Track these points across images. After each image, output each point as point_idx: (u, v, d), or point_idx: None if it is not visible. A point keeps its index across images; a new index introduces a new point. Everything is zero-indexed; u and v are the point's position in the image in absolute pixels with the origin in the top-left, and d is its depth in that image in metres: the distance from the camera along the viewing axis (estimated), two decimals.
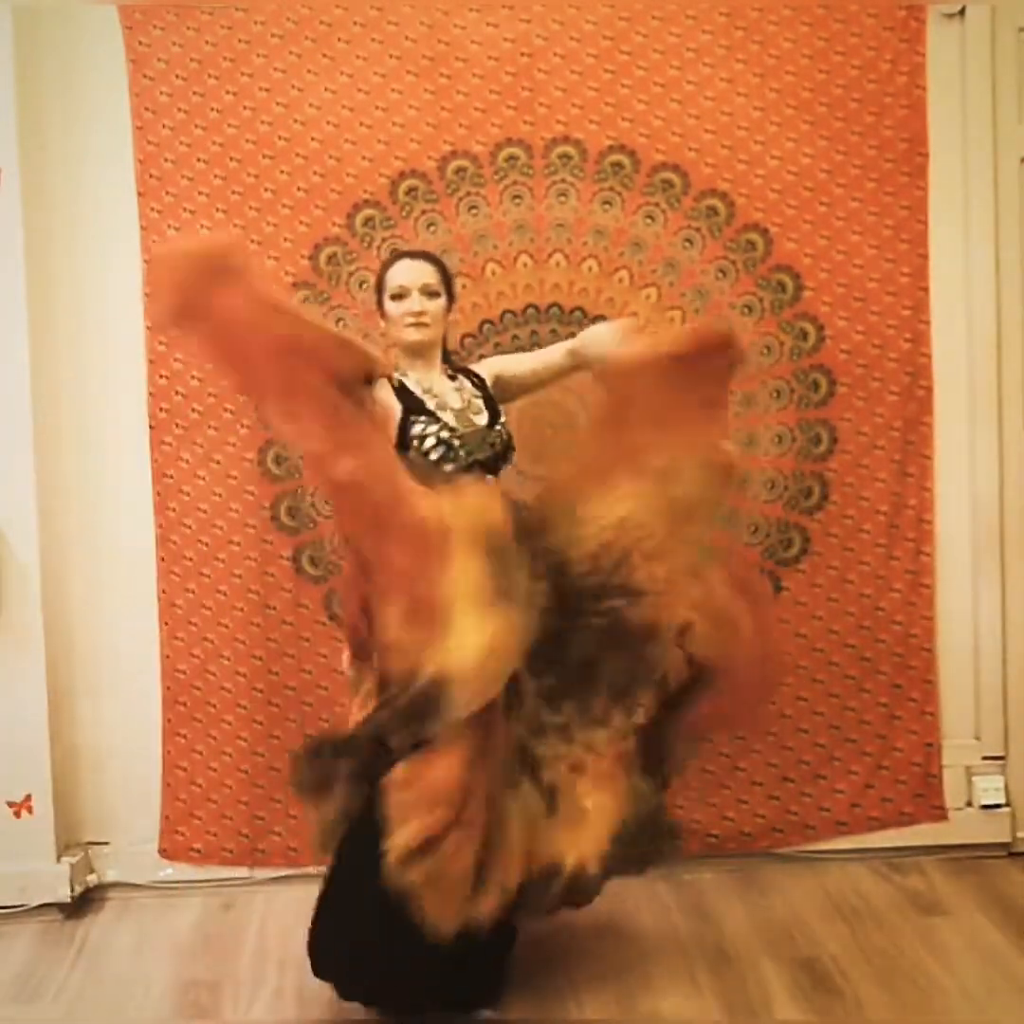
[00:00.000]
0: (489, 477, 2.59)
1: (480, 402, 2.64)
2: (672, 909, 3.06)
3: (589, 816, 2.47)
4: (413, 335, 2.62)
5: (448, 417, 2.59)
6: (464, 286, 3.14)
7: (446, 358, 2.72)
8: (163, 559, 3.18)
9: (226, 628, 3.19)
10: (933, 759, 3.31)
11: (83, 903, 3.16)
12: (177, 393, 3.16)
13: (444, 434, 2.54)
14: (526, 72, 3.16)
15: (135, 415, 3.16)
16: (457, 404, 2.62)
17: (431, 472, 2.50)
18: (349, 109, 3.15)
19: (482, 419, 2.61)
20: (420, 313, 2.61)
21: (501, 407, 2.67)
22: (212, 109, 3.13)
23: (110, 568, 3.22)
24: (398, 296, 2.63)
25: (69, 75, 3.14)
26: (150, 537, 3.18)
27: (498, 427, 2.62)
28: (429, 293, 2.63)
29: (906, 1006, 2.62)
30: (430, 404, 2.58)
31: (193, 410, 3.16)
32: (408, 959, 2.38)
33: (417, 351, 2.63)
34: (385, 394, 2.56)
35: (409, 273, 2.64)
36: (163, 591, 3.19)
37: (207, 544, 3.18)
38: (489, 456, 2.58)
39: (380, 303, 2.68)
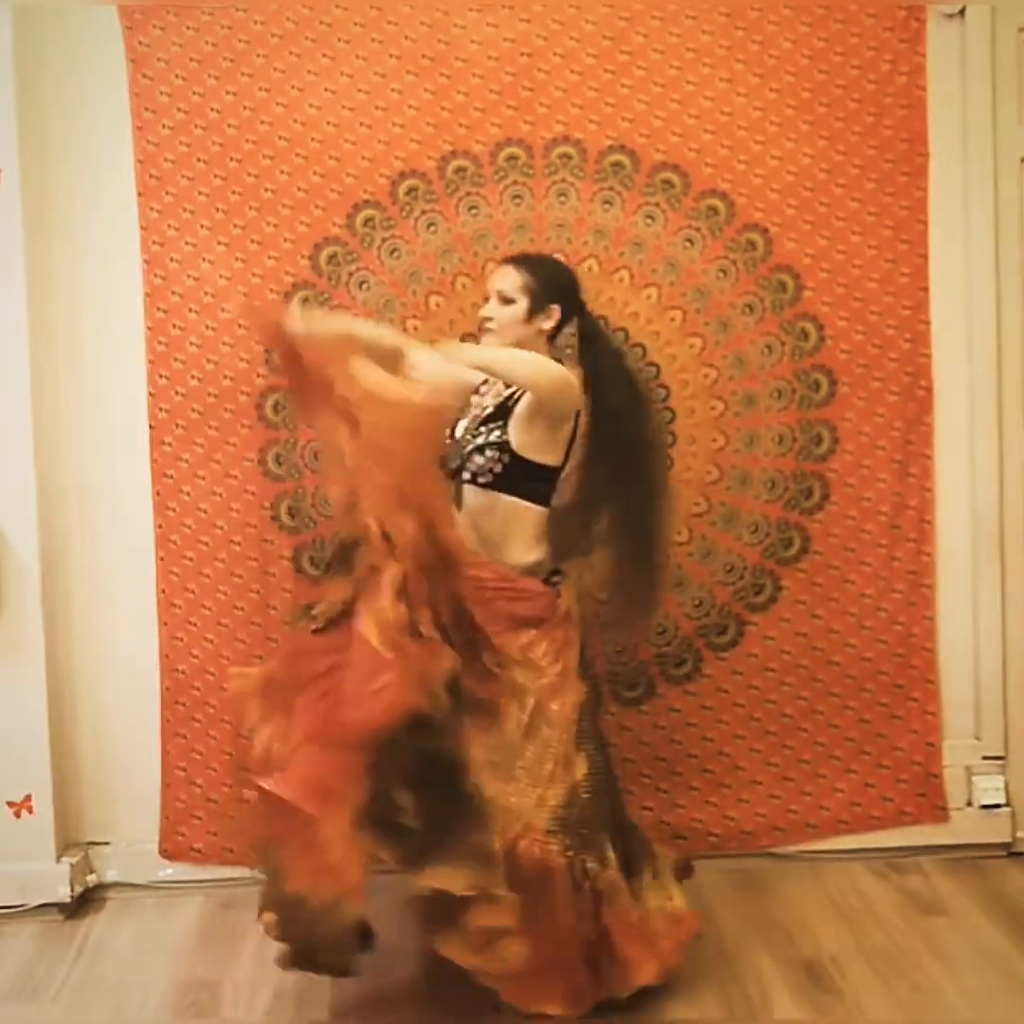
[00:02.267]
0: (468, 486, 2.63)
1: (491, 410, 2.66)
2: None
3: None
4: (482, 340, 2.68)
5: (460, 427, 2.67)
6: (464, 286, 3.15)
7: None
8: (163, 559, 3.18)
9: (226, 628, 3.19)
10: (933, 759, 3.31)
11: (83, 903, 3.16)
12: (177, 393, 3.16)
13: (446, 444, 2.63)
14: (526, 72, 3.16)
15: (135, 415, 3.16)
16: (478, 411, 2.68)
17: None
18: (349, 109, 3.14)
19: (475, 428, 2.67)
20: (487, 318, 2.66)
21: (509, 418, 2.63)
22: (212, 109, 3.13)
23: (110, 568, 3.22)
24: (487, 299, 2.66)
25: (69, 75, 3.13)
26: (150, 537, 3.18)
27: (469, 437, 2.64)
28: (503, 299, 2.64)
29: (906, 1006, 2.62)
30: (465, 413, 2.68)
31: (193, 410, 3.16)
32: None
33: None
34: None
35: (495, 278, 2.69)
36: (163, 591, 3.19)
37: (207, 544, 3.18)
38: (455, 466, 2.64)
39: None
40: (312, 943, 2.42)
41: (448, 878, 2.30)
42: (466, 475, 2.64)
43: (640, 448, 2.71)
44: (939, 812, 3.31)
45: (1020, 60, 3.26)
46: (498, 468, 2.60)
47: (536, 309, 2.65)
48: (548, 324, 2.66)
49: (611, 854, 2.55)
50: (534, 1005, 2.49)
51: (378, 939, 2.55)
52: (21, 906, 3.08)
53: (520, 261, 2.73)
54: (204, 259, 3.14)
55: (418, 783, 2.32)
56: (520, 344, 2.63)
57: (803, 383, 3.24)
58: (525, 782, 2.49)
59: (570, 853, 2.49)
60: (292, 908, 2.36)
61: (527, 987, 2.47)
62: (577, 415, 2.61)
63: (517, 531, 2.62)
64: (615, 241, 3.19)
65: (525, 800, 2.48)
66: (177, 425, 3.16)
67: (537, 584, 2.62)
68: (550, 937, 2.46)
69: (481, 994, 2.49)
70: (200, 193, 3.14)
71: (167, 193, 3.14)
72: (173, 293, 3.15)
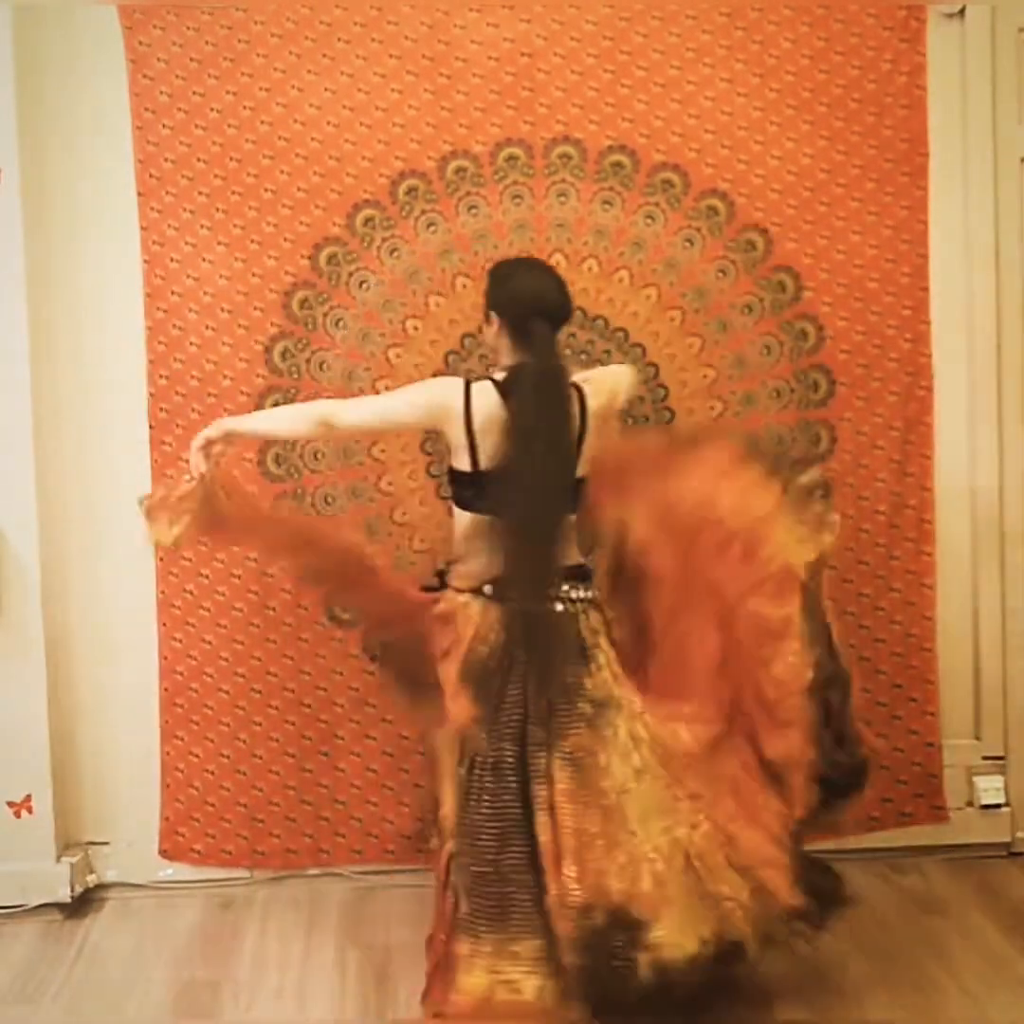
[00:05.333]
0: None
1: None
2: None
3: None
4: None
5: None
6: (464, 286, 3.15)
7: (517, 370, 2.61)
8: (162, 559, 3.17)
9: (224, 629, 3.19)
10: (933, 759, 3.31)
11: (83, 903, 3.15)
12: (177, 393, 3.16)
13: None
14: (526, 72, 3.16)
15: (135, 415, 3.16)
16: None
17: None
18: (349, 109, 3.14)
19: None
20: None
21: None
22: (212, 109, 3.13)
23: (110, 568, 3.21)
24: None
25: (69, 75, 3.14)
26: None
27: None
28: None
29: (906, 1006, 2.62)
30: None
31: (193, 410, 3.16)
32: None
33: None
34: None
35: None
36: (162, 592, 3.18)
37: (206, 544, 3.17)
38: None
39: None
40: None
41: None
42: None
43: (522, 475, 2.50)
44: (939, 813, 3.31)
45: (1020, 60, 3.26)
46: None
47: (485, 317, 2.68)
48: (492, 330, 2.65)
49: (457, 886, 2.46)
50: None
51: None
52: (21, 906, 3.08)
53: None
54: (204, 259, 3.14)
55: None
56: (493, 350, 2.71)
57: (802, 383, 3.24)
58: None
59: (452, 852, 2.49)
60: None
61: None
62: (468, 427, 2.50)
63: (454, 530, 2.66)
64: (615, 241, 3.19)
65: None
66: (177, 425, 3.16)
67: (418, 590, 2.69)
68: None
69: None
70: (200, 193, 3.14)
71: (167, 193, 3.14)
72: (173, 293, 3.15)
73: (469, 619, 2.53)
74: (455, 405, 2.51)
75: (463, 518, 2.60)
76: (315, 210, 3.15)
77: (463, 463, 2.55)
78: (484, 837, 2.41)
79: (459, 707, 2.48)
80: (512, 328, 2.59)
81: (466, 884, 2.41)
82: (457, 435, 2.53)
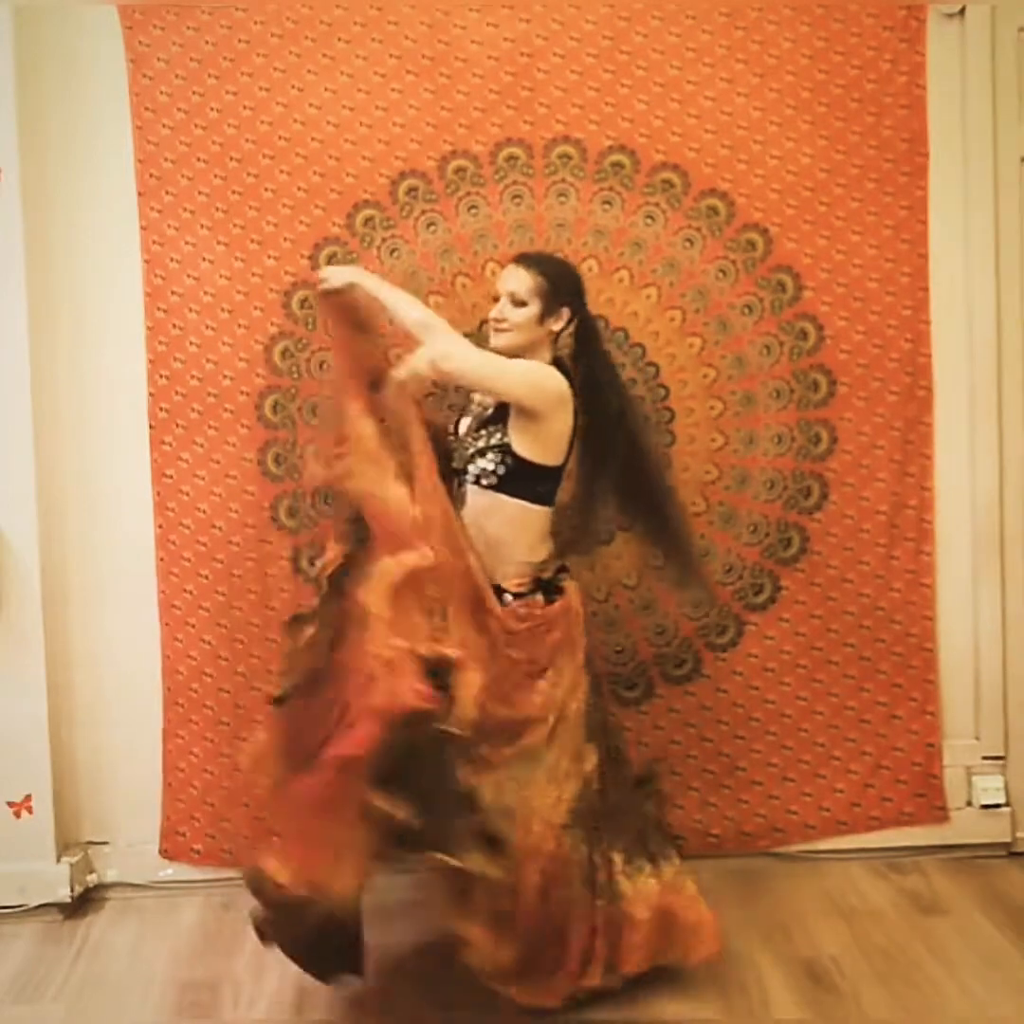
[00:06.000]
0: (471, 487, 2.64)
1: (492, 411, 2.67)
2: None
3: None
4: (493, 340, 2.67)
5: (462, 425, 2.72)
6: (464, 286, 3.15)
7: (559, 364, 2.68)
8: (162, 559, 3.18)
9: (224, 629, 3.19)
10: (933, 759, 3.31)
11: (83, 903, 3.16)
12: (177, 393, 3.16)
13: (452, 444, 2.69)
14: (526, 72, 3.16)
15: (135, 415, 3.16)
16: (479, 411, 2.71)
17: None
18: (349, 109, 3.15)
19: (476, 429, 2.69)
20: (499, 320, 2.65)
21: (508, 420, 2.62)
22: (212, 109, 3.13)
23: (110, 568, 3.22)
24: (497, 299, 2.67)
25: (69, 75, 3.13)
26: (150, 537, 3.18)
27: (470, 439, 2.67)
28: (515, 302, 2.63)
29: (906, 1006, 2.62)
30: (468, 413, 2.73)
31: (193, 410, 3.16)
32: None
33: (508, 355, 2.65)
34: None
35: (506, 279, 2.67)
36: (162, 592, 3.19)
37: (206, 544, 3.17)
38: (458, 466, 2.67)
39: None
40: (303, 945, 2.48)
41: (461, 859, 2.37)
42: (470, 477, 2.64)
43: (635, 446, 2.73)
44: (939, 812, 3.31)
45: (1020, 60, 3.26)
46: (502, 471, 2.60)
47: (548, 312, 2.64)
48: (558, 325, 2.65)
49: (608, 846, 2.60)
50: (527, 998, 2.52)
51: (365, 953, 2.54)
52: (21, 906, 3.09)
53: (531, 261, 2.70)
54: (204, 259, 3.14)
55: (403, 773, 2.33)
56: (531, 345, 2.65)
57: (802, 383, 3.24)
58: (545, 783, 2.53)
59: (583, 847, 2.55)
60: (284, 910, 2.38)
61: (524, 980, 2.52)
62: (576, 413, 2.62)
63: (522, 532, 2.63)
64: (615, 241, 3.19)
65: (545, 800, 2.52)
66: (177, 425, 3.16)
67: (539, 604, 2.62)
68: (552, 928, 2.51)
69: (481, 995, 2.50)
70: (200, 193, 3.14)
71: (167, 193, 3.14)
72: (173, 293, 3.15)
73: (579, 604, 2.70)
74: (570, 395, 2.59)
75: (541, 514, 2.63)
76: (315, 210, 3.15)
77: (554, 457, 2.60)
78: (630, 785, 2.75)
79: (575, 683, 2.61)
80: (576, 323, 2.68)
81: (639, 830, 2.67)
82: (565, 426, 2.59)
